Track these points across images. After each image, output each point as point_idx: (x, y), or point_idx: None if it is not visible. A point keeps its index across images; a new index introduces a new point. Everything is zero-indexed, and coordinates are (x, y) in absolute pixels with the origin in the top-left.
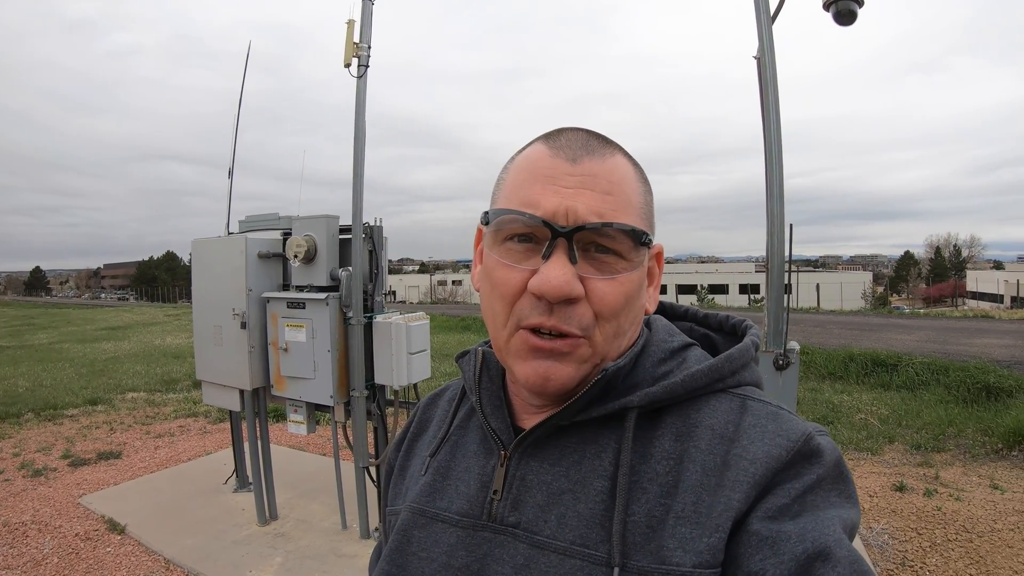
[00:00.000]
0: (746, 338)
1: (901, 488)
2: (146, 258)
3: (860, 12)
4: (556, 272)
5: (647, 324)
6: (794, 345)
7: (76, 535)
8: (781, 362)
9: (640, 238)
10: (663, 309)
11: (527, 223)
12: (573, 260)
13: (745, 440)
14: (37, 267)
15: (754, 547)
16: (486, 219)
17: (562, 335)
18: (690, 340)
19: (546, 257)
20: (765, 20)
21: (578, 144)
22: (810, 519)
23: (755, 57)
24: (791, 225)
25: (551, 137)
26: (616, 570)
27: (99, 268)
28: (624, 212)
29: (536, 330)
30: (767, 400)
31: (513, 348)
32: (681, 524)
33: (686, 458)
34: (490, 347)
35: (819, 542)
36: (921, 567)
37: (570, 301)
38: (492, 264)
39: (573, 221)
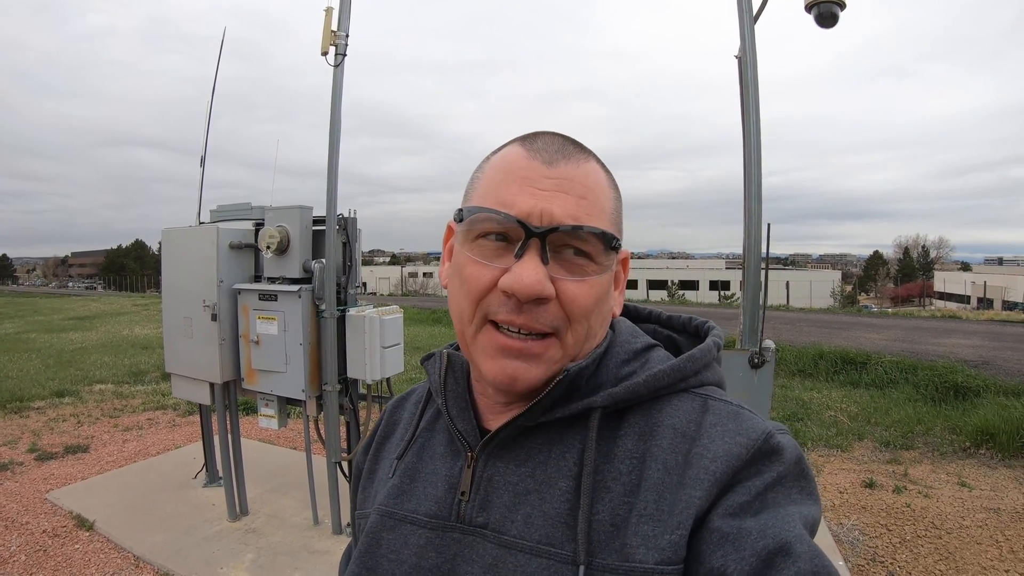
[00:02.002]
0: (708, 339)
1: (871, 485)
2: (115, 246)
3: (840, 15)
4: (529, 271)
5: (611, 326)
6: (769, 343)
7: (44, 532)
8: (756, 360)
9: (610, 242)
10: (627, 311)
11: (502, 222)
12: (545, 260)
13: (706, 439)
14: (4, 254)
15: (716, 544)
16: (460, 216)
17: (533, 335)
18: (653, 341)
19: (519, 256)
20: (748, 20)
21: (554, 148)
22: (771, 515)
23: (736, 56)
24: (768, 224)
25: (528, 140)
26: (581, 568)
27: (67, 256)
28: (597, 216)
29: (504, 327)
30: (728, 399)
31: (480, 345)
32: (644, 522)
33: (648, 457)
34: (456, 349)
35: (780, 538)
36: (891, 563)
37: (540, 301)
38: (463, 260)
39: (548, 222)
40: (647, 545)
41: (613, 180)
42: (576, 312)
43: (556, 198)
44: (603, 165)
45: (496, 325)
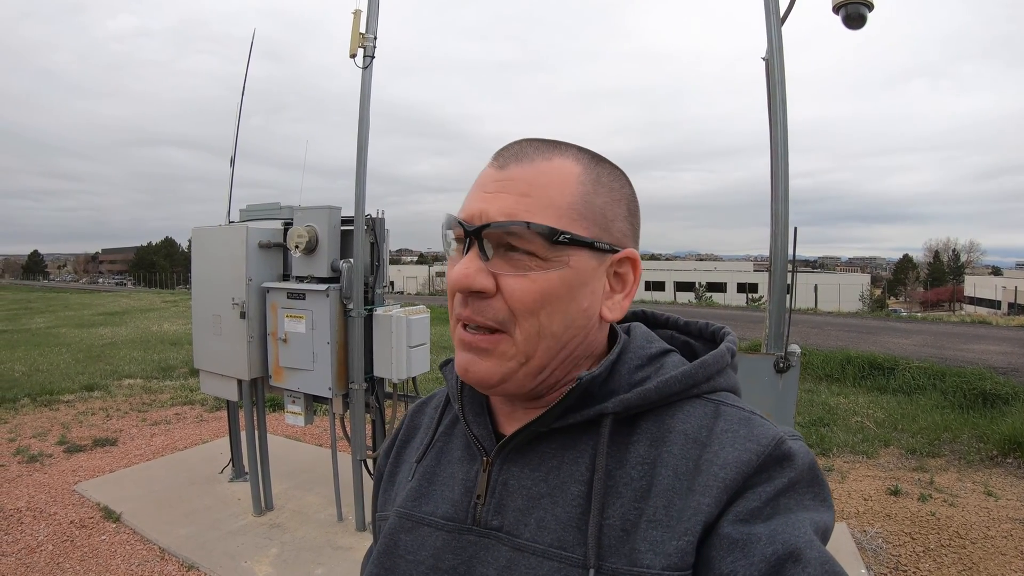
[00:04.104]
0: (722, 344)
1: (896, 492)
2: (145, 243)
3: (868, 16)
4: (460, 265)
5: (627, 331)
6: (795, 348)
7: (71, 522)
8: (782, 364)
9: (553, 237)
10: (644, 317)
11: (454, 224)
12: (485, 257)
13: (716, 445)
14: (35, 251)
15: (725, 550)
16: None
17: (484, 330)
18: (668, 347)
19: (464, 254)
20: (774, 21)
21: (512, 152)
22: (781, 521)
23: (763, 58)
24: (795, 228)
25: (499, 150)
26: (591, 572)
27: (97, 253)
28: (539, 212)
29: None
30: (741, 405)
31: (455, 341)
32: (652, 527)
33: (659, 463)
34: None
35: (789, 544)
36: (914, 572)
37: (482, 295)
38: (448, 264)
39: (482, 221)
40: (655, 550)
41: (597, 174)
42: (518, 307)
43: (497, 198)
44: (585, 159)
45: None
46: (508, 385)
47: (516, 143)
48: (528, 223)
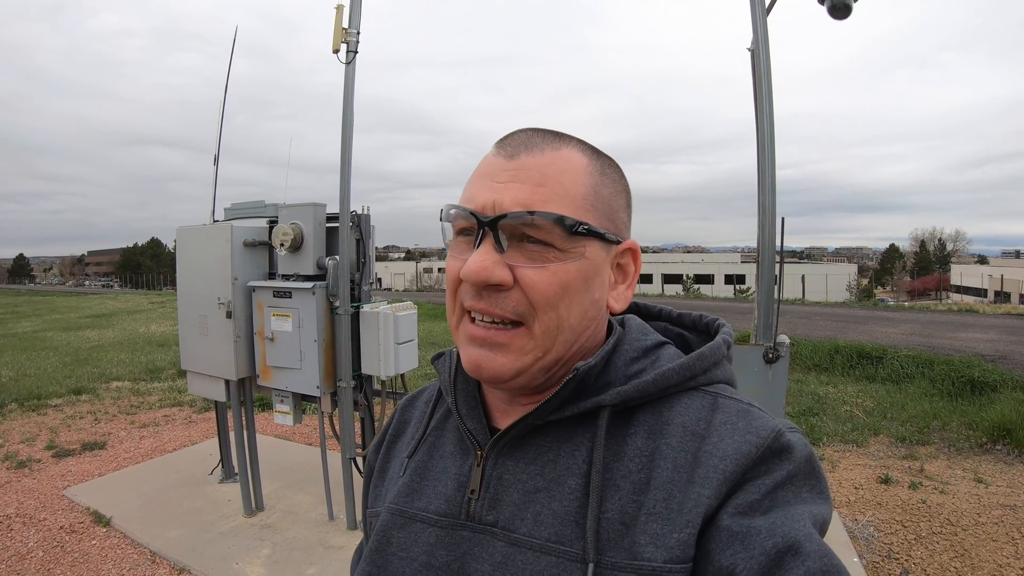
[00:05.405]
0: (718, 336)
1: (886, 481)
2: (131, 244)
3: (854, 6)
4: (475, 258)
5: (621, 323)
6: (784, 338)
7: (61, 528)
8: (771, 355)
9: (572, 228)
10: (637, 309)
11: (461, 216)
12: (500, 249)
13: (716, 437)
14: (21, 254)
15: (725, 542)
16: (440, 217)
17: (499, 323)
18: (663, 339)
19: (476, 246)
20: (760, 12)
21: (520, 141)
22: (780, 514)
23: (749, 49)
24: (783, 218)
25: (502, 139)
26: (591, 566)
27: (83, 255)
28: (555, 202)
29: (476, 317)
30: (739, 397)
31: (460, 335)
32: (652, 520)
33: (658, 455)
34: None
35: (789, 537)
36: (907, 559)
37: (498, 288)
38: (447, 257)
39: (497, 212)
40: (656, 543)
41: (599, 165)
42: (538, 299)
43: (509, 188)
44: (589, 151)
45: (471, 317)
46: (521, 379)
47: (520, 132)
48: (560, 216)
